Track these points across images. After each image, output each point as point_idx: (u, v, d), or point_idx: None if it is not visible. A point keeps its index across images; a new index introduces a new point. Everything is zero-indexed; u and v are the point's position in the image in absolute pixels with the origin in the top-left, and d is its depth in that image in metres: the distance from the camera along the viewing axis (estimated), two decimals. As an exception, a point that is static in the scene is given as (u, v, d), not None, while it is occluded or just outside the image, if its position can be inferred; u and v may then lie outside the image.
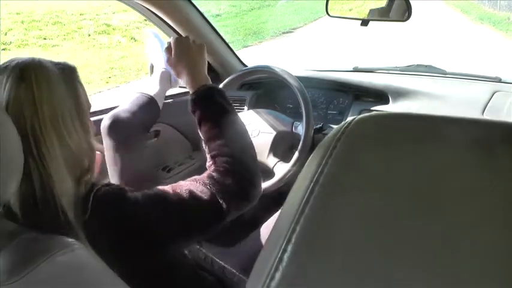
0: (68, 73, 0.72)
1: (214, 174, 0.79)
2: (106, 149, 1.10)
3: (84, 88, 0.76)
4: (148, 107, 1.21)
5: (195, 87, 0.89)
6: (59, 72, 0.70)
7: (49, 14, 7.18)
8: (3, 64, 0.67)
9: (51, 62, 0.71)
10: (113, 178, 1.08)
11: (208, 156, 0.85)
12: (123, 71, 5.70)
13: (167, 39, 1.47)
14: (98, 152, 0.78)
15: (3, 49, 5.65)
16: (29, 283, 0.45)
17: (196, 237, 0.79)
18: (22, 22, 6.75)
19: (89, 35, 6.82)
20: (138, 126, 1.17)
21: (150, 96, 1.23)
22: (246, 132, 0.89)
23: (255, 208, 0.86)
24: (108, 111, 1.16)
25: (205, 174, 0.80)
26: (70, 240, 0.53)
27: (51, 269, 0.47)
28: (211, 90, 0.89)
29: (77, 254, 0.50)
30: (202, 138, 0.87)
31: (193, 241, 0.81)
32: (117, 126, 1.11)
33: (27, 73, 0.66)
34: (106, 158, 1.10)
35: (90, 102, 0.77)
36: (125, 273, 0.57)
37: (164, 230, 0.72)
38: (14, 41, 6.06)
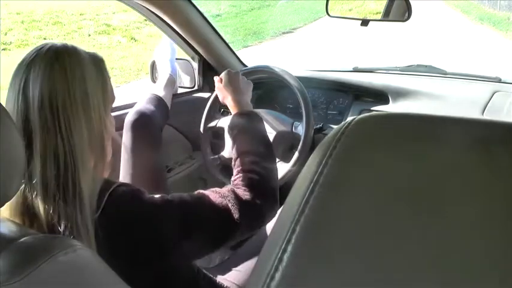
0: (97, 62, 0.73)
1: (236, 188, 0.81)
2: (125, 143, 1.11)
3: (111, 80, 0.77)
4: (162, 108, 1.24)
5: (238, 109, 0.99)
6: (90, 60, 0.71)
7: (49, 14, 7.18)
8: (35, 48, 0.69)
9: (83, 49, 0.73)
10: (124, 173, 1.09)
11: (235, 170, 0.87)
12: (123, 71, 5.70)
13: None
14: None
15: (3, 49, 5.66)
16: (30, 283, 0.45)
17: (205, 251, 0.79)
18: (22, 22, 6.75)
19: (89, 35, 6.83)
20: (157, 126, 1.19)
21: (161, 98, 1.25)
22: (275, 158, 0.94)
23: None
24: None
25: (227, 188, 0.81)
26: (72, 240, 0.53)
27: (53, 269, 0.47)
28: (253, 113, 0.99)
29: (79, 254, 0.50)
30: (234, 154, 0.91)
31: (201, 254, 0.81)
32: (142, 123, 1.14)
33: (61, 56, 0.68)
34: (122, 153, 1.10)
35: (115, 95, 0.79)
36: (124, 278, 0.57)
37: (175, 240, 0.71)
38: (14, 41, 6.06)
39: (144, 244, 0.69)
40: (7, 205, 0.63)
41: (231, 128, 0.96)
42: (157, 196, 0.73)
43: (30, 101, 0.65)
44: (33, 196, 0.64)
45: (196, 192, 0.79)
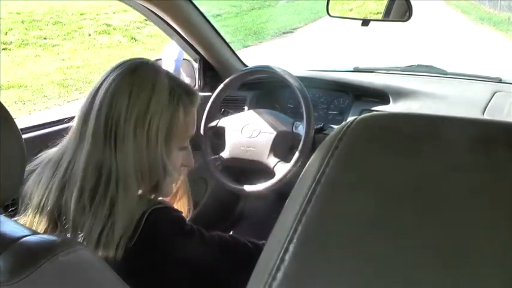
0: (179, 92, 0.71)
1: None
2: None
3: (193, 117, 0.75)
4: None
5: None
6: (169, 85, 0.69)
7: (49, 14, 7.17)
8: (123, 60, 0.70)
9: (170, 75, 0.71)
10: None
11: None
12: (124, 70, 5.69)
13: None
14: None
15: (4, 49, 5.65)
16: (31, 283, 0.45)
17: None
18: (22, 22, 6.74)
19: (89, 35, 6.82)
20: None
21: None
22: None
23: (257, 209, 0.86)
24: None
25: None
26: (73, 240, 0.53)
27: (54, 269, 0.47)
28: None
29: (80, 254, 0.50)
30: None
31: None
32: None
33: (139, 70, 0.67)
34: None
35: (192, 132, 0.77)
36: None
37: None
38: (14, 41, 6.06)
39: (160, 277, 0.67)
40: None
41: None
42: (201, 232, 0.72)
43: (94, 105, 0.65)
44: (66, 201, 0.63)
45: (236, 236, 0.78)
